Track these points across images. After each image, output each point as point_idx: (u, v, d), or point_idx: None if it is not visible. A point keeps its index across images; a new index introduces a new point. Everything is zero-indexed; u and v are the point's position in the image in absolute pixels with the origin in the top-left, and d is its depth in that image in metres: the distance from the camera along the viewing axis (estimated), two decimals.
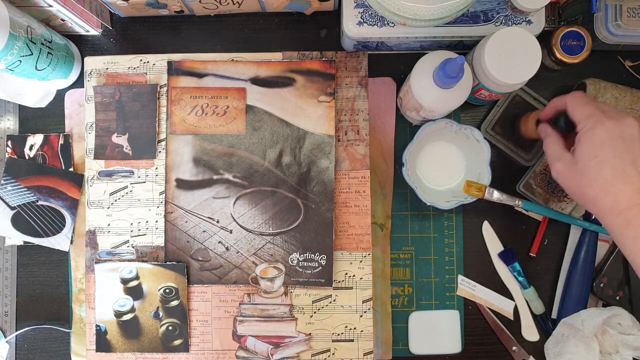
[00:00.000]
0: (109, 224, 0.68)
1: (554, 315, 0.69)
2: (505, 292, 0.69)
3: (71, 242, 0.70)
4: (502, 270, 0.70)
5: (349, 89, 0.68)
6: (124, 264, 0.67)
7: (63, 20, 0.66)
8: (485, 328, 0.69)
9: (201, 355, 0.67)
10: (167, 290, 0.67)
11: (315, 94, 0.68)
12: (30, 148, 0.71)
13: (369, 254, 0.67)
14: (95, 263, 0.67)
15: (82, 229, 0.70)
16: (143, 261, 0.67)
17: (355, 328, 0.67)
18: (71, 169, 0.70)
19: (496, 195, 0.64)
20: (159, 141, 0.68)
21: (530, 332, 0.69)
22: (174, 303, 0.67)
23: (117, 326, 0.67)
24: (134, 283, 0.67)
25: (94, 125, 0.68)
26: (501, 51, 0.58)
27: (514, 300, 0.69)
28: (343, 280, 0.67)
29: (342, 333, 0.67)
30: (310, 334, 0.67)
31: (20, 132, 0.72)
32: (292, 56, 0.68)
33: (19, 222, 0.69)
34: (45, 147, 0.71)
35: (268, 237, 0.67)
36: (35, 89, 0.70)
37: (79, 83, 0.71)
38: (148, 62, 0.69)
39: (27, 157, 0.71)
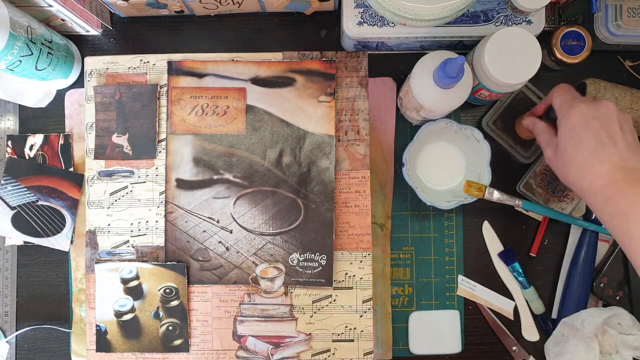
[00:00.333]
0: (109, 224, 0.68)
1: (554, 315, 0.69)
2: (505, 292, 0.69)
3: (71, 242, 0.70)
4: (502, 270, 0.70)
5: (349, 89, 0.68)
6: (124, 264, 0.67)
7: (63, 20, 0.66)
8: (485, 328, 0.69)
9: (201, 355, 0.67)
10: (167, 290, 0.67)
11: (316, 94, 0.68)
12: (31, 148, 0.71)
13: (369, 254, 0.67)
14: (96, 263, 0.67)
15: (82, 229, 0.70)
16: (143, 261, 0.67)
17: (355, 328, 0.67)
18: (71, 169, 0.70)
19: (496, 195, 0.64)
20: (159, 141, 0.68)
21: (530, 332, 0.69)
22: (174, 303, 0.67)
23: (117, 326, 0.67)
24: (134, 283, 0.67)
25: (94, 125, 0.68)
26: (501, 51, 0.58)
27: (514, 300, 0.69)
28: (343, 280, 0.67)
29: (342, 333, 0.67)
30: (310, 334, 0.67)
31: (20, 132, 0.72)
32: (292, 56, 0.69)
33: (19, 222, 0.69)
34: (45, 147, 0.71)
35: (268, 237, 0.67)
36: (35, 89, 0.70)
37: (79, 83, 0.71)
38: (148, 62, 0.69)
39: (27, 157, 0.71)
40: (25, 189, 0.69)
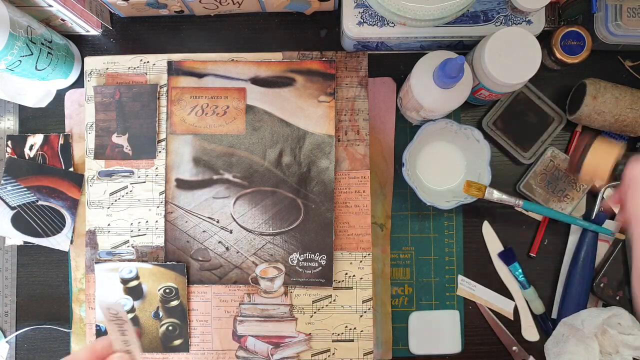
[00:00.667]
0: (109, 224, 0.68)
1: (554, 315, 0.69)
2: (505, 292, 0.69)
3: (71, 242, 0.70)
4: (502, 270, 0.70)
5: (349, 89, 0.68)
6: (124, 264, 0.67)
7: (63, 20, 0.66)
8: (485, 328, 0.69)
9: (201, 355, 0.67)
10: (167, 290, 0.67)
11: (315, 94, 0.68)
12: (30, 148, 0.71)
13: (369, 254, 0.67)
14: (95, 263, 0.67)
15: (82, 229, 0.70)
16: (143, 261, 0.67)
17: (355, 328, 0.67)
18: (71, 169, 0.70)
19: (496, 195, 0.64)
20: (159, 141, 0.68)
21: (530, 332, 0.69)
22: (174, 303, 0.67)
23: None
24: (134, 283, 0.67)
25: (94, 125, 0.68)
26: (501, 51, 0.58)
27: (514, 300, 0.69)
28: (343, 280, 0.67)
29: (342, 333, 0.67)
30: (310, 334, 0.67)
31: (20, 132, 0.72)
32: (292, 56, 0.68)
33: (19, 222, 0.69)
34: (45, 147, 0.71)
35: (268, 237, 0.67)
36: (35, 89, 0.70)
37: (79, 83, 0.71)
38: (148, 62, 0.69)
39: (27, 157, 0.71)
40: (25, 189, 0.69)
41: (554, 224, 0.69)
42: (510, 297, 0.69)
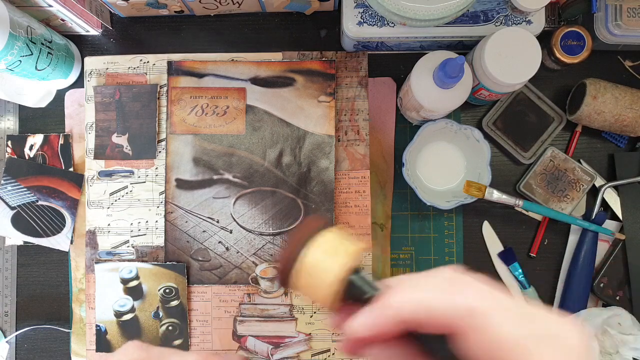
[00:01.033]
0: (109, 224, 0.68)
1: None
2: None
3: (71, 242, 0.70)
4: (502, 270, 0.70)
5: (349, 89, 0.68)
6: (124, 264, 0.67)
7: (63, 20, 0.66)
8: None
9: None
10: (167, 290, 0.67)
11: (315, 94, 0.68)
12: (30, 148, 0.71)
13: (368, 254, 0.67)
14: (95, 263, 0.67)
15: (82, 229, 0.70)
16: (143, 261, 0.67)
17: None
18: (71, 169, 0.70)
19: (496, 195, 0.64)
20: (159, 141, 0.68)
21: None
22: (174, 303, 0.67)
23: (117, 326, 0.67)
24: (134, 283, 0.67)
25: (94, 125, 0.68)
26: (501, 51, 0.58)
27: None
28: None
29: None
30: (310, 334, 0.67)
31: (20, 132, 0.72)
32: (292, 56, 0.68)
33: (19, 222, 0.69)
34: (45, 147, 0.71)
35: (268, 237, 0.67)
36: (35, 89, 0.70)
37: (79, 83, 0.71)
38: (148, 62, 0.69)
39: (27, 157, 0.71)
40: (25, 189, 0.69)
41: (554, 224, 0.69)
42: None
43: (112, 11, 0.70)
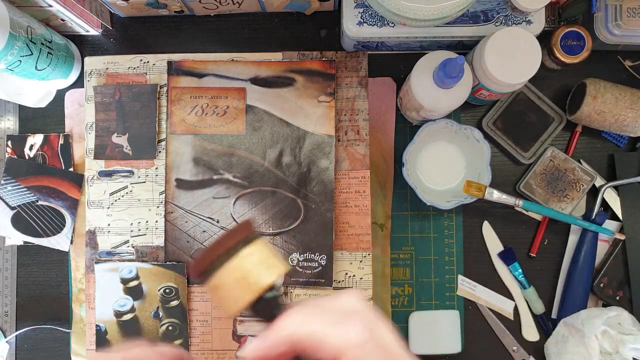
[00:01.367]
0: (109, 224, 0.68)
1: (554, 315, 0.69)
2: (505, 292, 0.69)
3: (71, 242, 0.70)
4: (502, 270, 0.70)
5: (349, 89, 0.68)
6: (124, 264, 0.67)
7: (63, 20, 0.66)
8: (485, 328, 0.69)
9: (201, 355, 0.67)
10: (167, 290, 0.67)
11: (315, 94, 0.68)
12: (30, 148, 0.71)
13: (369, 254, 0.67)
14: (95, 263, 0.67)
15: (82, 229, 0.70)
16: (143, 261, 0.67)
17: None
18: (71, 169, 0.70)
19: (496, 195, 0.64)
20: (159, 141, 0.68)
21: (530, 332, 0.69)
22: (174, 303, 0.67)
23: (117, 326, 0.67)
24: (134, 283, 0.67)
25: (94, 125, 0.68)
26: (501, 51, 0.58)
27: (514, 300, 0.69)
28: (343, 280, 0.67)
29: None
30: None
31: (20, 132, 0.72)
32: (292, 56, 0.68)
33: (19, 222, 0.69)
34: (45, 147, 0.71)
35: (268, 237, 0.67)
36: (35, 89, 0.70)
37: (79, 83, 0.71)
38: (148, 62, 0.69)
39: (27, 157, 0.71)
40: (25, 189, 0.69)
41: (554, 224, 0.69)
42: (510, 297, 0.69)
43: (112, 11, 0.70)
